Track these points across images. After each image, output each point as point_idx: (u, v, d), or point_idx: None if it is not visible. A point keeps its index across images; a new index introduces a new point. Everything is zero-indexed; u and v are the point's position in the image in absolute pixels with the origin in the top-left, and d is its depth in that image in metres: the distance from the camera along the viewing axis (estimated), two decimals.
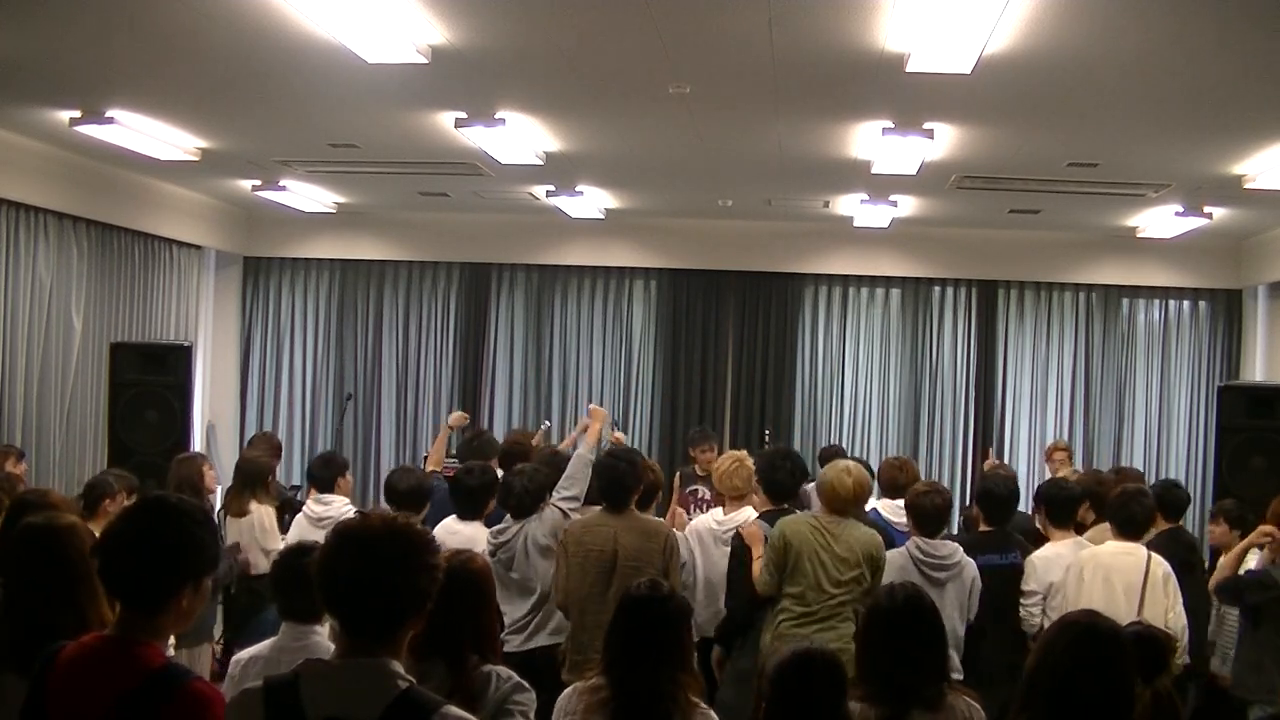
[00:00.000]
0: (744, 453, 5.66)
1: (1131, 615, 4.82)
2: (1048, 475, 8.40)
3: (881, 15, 4.56)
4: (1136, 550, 5.06)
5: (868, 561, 4.64)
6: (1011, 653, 4.86)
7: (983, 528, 5.52)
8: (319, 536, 3.23)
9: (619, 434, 7.83)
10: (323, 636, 3.26)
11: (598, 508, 4.99)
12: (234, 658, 3.37)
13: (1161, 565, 5.03)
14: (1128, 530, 5.13)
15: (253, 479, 6.37)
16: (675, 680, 3.06)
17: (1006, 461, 10.30)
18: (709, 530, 5.47)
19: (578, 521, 4.98)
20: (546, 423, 9.81)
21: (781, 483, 5.15)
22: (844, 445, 10.53)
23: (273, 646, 3.28)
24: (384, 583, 2.15)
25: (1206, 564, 7.57)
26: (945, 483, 9.44)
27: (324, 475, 6.01)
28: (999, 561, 5.24)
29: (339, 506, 5.82)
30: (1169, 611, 4.90)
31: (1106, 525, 5.44)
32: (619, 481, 4.88)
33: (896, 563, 4.89)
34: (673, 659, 3.09)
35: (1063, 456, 8.51)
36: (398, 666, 2.17)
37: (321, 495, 5.96)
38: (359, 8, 4.53)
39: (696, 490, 7.16)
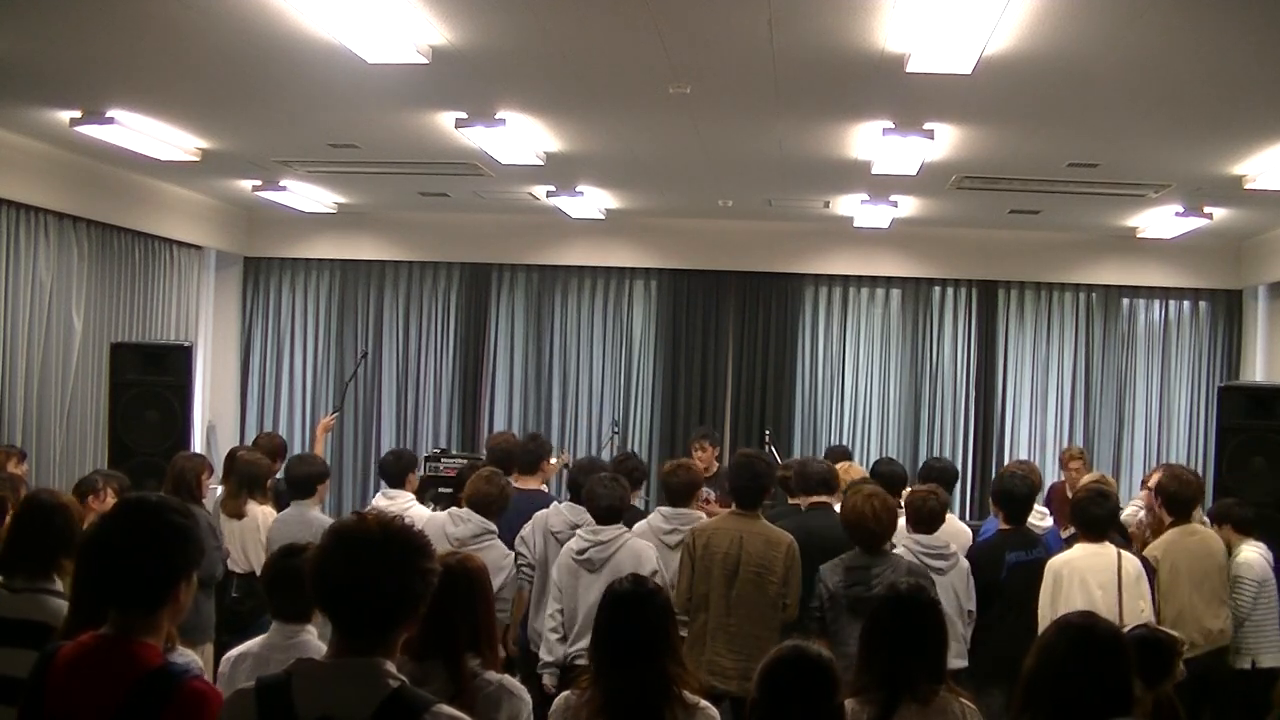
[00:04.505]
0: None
1: (1111, 616, 4.87)
2: (1059, 479, 8.37)
3: (881, 15, 4.56)
4: (1105, 550, 5.13)
5: None
6: (1027, 645, 4.98)
7: (1003, 526, 5.63)
8: None
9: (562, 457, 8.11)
10: (313, 635, 3.29)
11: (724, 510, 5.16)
12: (225, 655, 3.39)
13: (1132, 563, 5.11)
14: (1092, 531, 5.21)
15: (251, 481, 6.37)
16: (665, 674, 3.05)
17: (1006, 462, 10.32)
18: None
19: (706, 524, 5.11)
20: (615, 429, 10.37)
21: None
22: (844, 445, 10.55)
23: (263, 644, 3.31)
24: (376, 585, 2.15)
25: None
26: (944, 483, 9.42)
27: (394, 471, 6.21)
28: (1025, 558, 5.39)
29: (403, 502, 5.93)
30: (1143, 610, 4.97)
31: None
32: (759, 479, 5.03)
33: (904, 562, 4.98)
34: (659, 653, 3.08)
35: (1079, 465, 8.21)
36: (390, 666, 2.17)
37: (389, 490, 6.16)
38: (359, 8, 4.53)
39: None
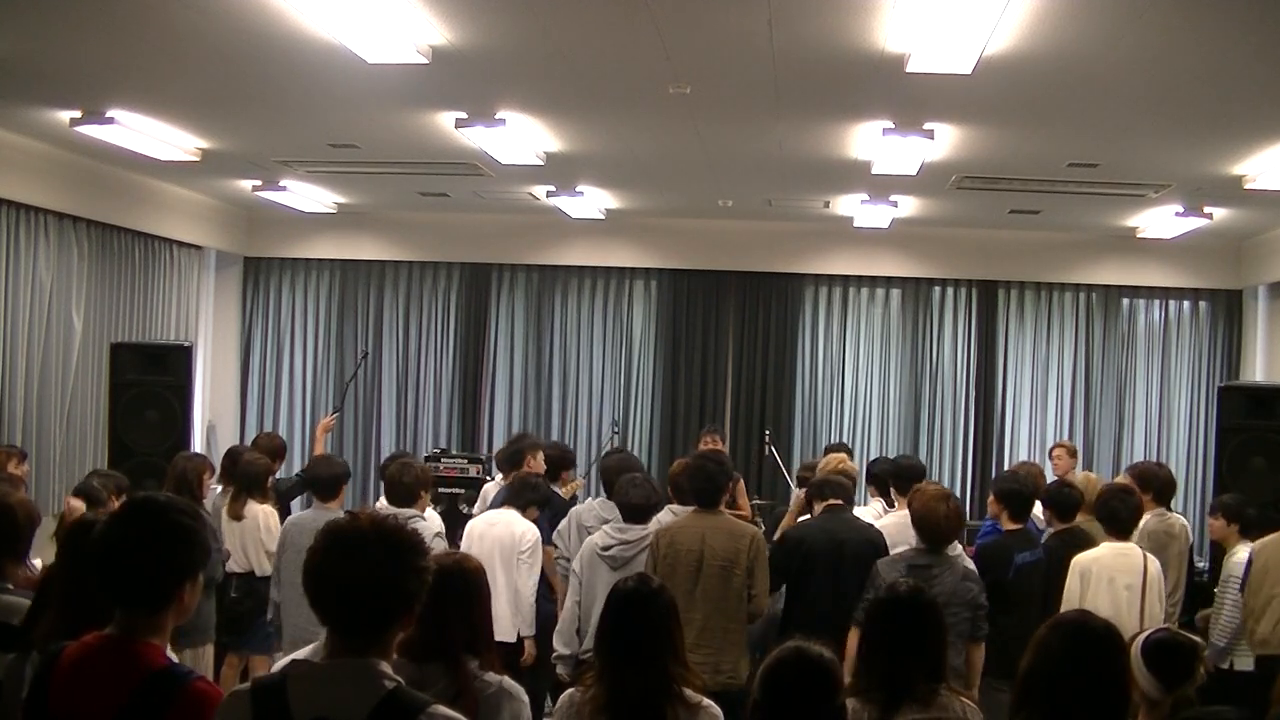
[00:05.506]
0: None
1: (1134, 616, 4.87)
2: (1050, 475, 8.41)
3: (881, 15, 4.56)
4: (1132, 550, 5.11)
5: None
6: None
7: (1011, 526, 5.63)
8: None
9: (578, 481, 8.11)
10: None
11: (688, 509, 5.24)
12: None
13: (1155, 565, 5.10)
14: (1114, 528, 5.18)
15: (251, 481, 6.37)
16: (667, 673, 3.06)
17: (1006, 461, 10.33)
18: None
19: (671, 523, 5.22)
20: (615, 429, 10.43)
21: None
22: (844, 443, 10.56)
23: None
24: (371, 584, 2.15)
25: (1205, 558, 7.63)
26: (945, 483, 9.45)
27: (401, 492, 6.13)
28: (1030, 559, 5.41)
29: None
30: (1160, 611, 4.98)
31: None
32: (713, 480, 5.12)
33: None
34: (662, 652, 3.09)
35: (1060, 453, 8.43)
36: (385, 666, 2.17)
37: (401, 511, 6.04)
38: (359, 8, 4.54)
39: None
